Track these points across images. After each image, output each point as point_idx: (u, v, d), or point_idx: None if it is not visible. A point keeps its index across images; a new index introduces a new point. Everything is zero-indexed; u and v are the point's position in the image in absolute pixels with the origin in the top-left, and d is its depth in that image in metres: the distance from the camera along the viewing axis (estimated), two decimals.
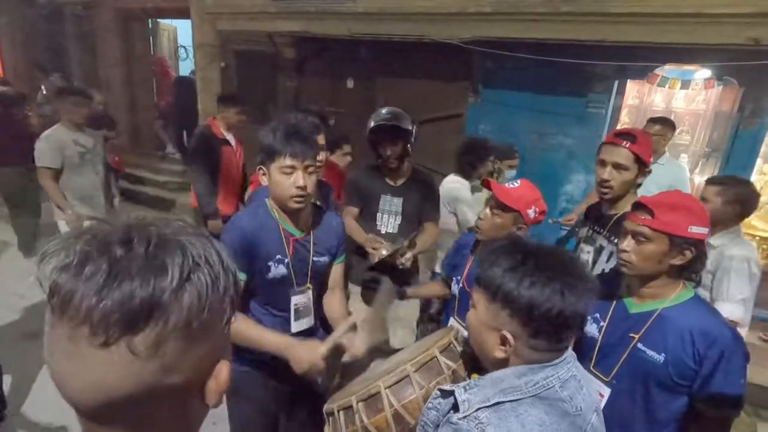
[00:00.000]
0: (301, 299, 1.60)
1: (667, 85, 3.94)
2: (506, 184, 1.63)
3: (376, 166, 2.43)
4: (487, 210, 1.63)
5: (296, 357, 1.36)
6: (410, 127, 2.28)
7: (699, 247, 1.20)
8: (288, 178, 1.40)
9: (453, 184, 2.90)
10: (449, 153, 3.16)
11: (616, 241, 1.59)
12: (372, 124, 2.30)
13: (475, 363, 1.07)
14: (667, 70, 3.81)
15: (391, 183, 2.41)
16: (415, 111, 4.00)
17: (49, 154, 3.03)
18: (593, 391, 0.97)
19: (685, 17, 3.06)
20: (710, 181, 2.14)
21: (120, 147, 5.14)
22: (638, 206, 1.26)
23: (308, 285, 1.61)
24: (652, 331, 1.23)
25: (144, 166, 6.76)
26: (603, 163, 1.69)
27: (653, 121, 3.02)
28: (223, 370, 0.49)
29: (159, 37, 7.14)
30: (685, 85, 3.85)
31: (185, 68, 7.40)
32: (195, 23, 5.29)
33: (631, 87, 4.51)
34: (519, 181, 1.63)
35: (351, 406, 1.10)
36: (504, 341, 0.87)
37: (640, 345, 1.24)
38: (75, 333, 0.40)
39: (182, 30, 7.58)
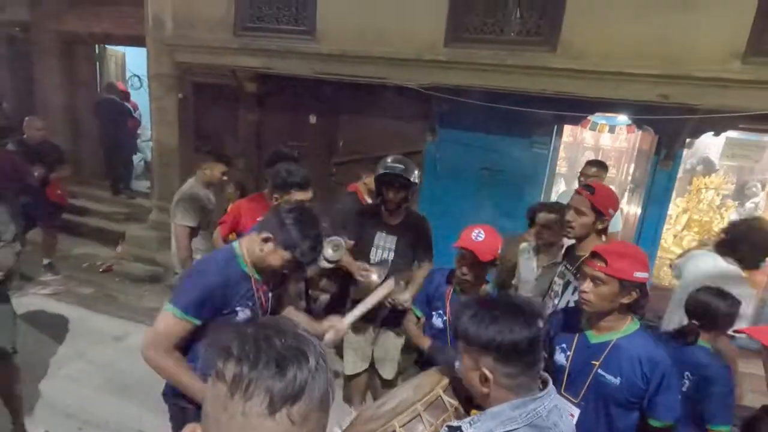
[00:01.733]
0: None
1: (597, 129, 4.52)
2: (473, 236, 1.89)
3: (376, 205, 2.65)
4: (466, 268, 1.89)
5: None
6: (416, 180, 2.49)
7: (642, 288, 1.50)
8: (283, 267, 1.62)
9: None
10: None
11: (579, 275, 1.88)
12: (381, 170, 2.49)
13: (470, 399, 1.23)
14: (596, 116, 4.37)
15: (388, 222, 2.60)
16: (376, 147, 4.29)
17: None
18: (568, 415, 1.20)
19: (611, 75, 3.58)
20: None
21: (63, 179, 4.89)
22: (594, 254, 1.54)
23: None
24: (610, 358, 1.50)
25: (87, 196, 6.43)
26: (569, 207, 2.02)
27: (590, 164, 3.46)
28: None
29: (106, 62, 6.91)
30: (612, 129, 4.44)
31: (138, 98, 7.20)
32: (151, 53, 5.24)
33: (567, 128, 5.09)
34: (483, 232, 1.90)
35: None
36: (484, 378, 1.06)
37: (600, 371, 1.51)
38: (247, 409, 0.55)
39: (131, 57, 7.38)
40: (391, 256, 2.60)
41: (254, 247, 1.59)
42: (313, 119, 4.91)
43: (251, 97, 5.03)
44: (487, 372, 1.05)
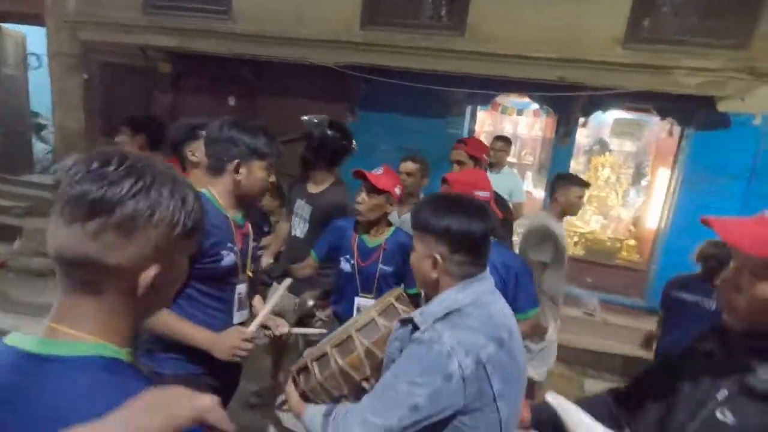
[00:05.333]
0: (243, 288, 1.64)
1: (507, 112, 4.84)
2: (373, 172, 1.97)
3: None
4: (364, 195, 1.95)
5: (219, 347, 1.45)
6: (328, 134, 2.46)
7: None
8: (267, 175, 1.56)
9: None
10: None
11: None
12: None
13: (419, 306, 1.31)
14: (506, 101, 4.68)
15: (309, 190, 2.51)
16: (297, 128, 4.27)
17: None
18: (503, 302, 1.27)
19: (514, 57, 3.85)
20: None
21: None
22: (444, 180, 1.83)
23: (249, 274, 1.66)
24: None
25: None
26: (452, 164, 2.23)
27: (497, 138, 3.72)
28: (152, 270, 0.64)
29: (2, 42, 6.28)
30: (520, 112, 4.78)
31: (37, 78, 6.60)
32: (51, 30, 4.87)
33: (486, 116, 5.40)
34: (382, 168, 1.99)
35: (325, 354, 1.25)
36: (435, 262, 1.13)
37: None
38: (57, 214, 0.61)
39: (33, 37, 6.75)
40: (307, 228, 2.49)
41: (227, 184, 1.51)
42: (232, 101, 4.81)
43: (165, 77, 4.83)
44: (438, 257, 1.12)
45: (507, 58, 3.87)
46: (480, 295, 1.15)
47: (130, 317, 0.67)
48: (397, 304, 1.36)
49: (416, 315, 1.14)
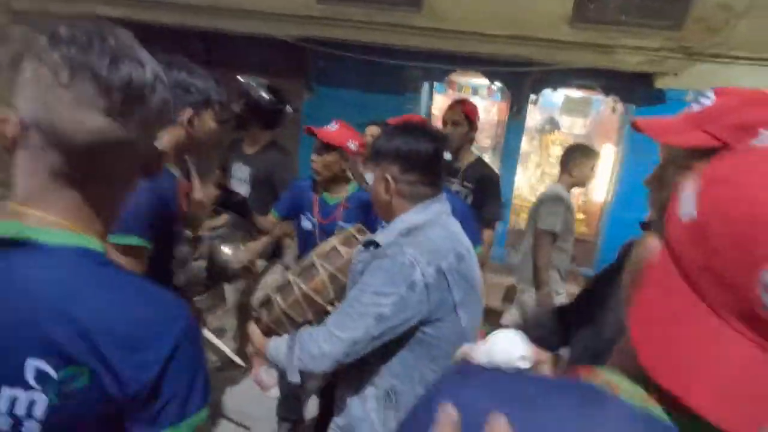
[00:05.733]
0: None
1: (462, 91, 4.96)
2: (326, 127, 1.97)
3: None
4: (315, 154, 1.94)
5: None
6: (262, 96, 2.40)
7: None
8: (216, 125, 1.39)
9: None
10: (287, 144, 3.42)
11: (467, 184, 2.25)
12: None
13: None
14: (462, 79, 4.79)
15: (245, 151, 2.46)
16: None
17: None
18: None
19: (469, 34, 3.95)
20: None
21: None
22: None
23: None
24: None
25: None
26: (444, 123, 2.30)
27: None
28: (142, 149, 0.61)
29: None
30: (475, 91, 4.90)
31: None
32: None
33: (444, 100, 5.48)
34: (336, 123, 1.98)
35: (288, 283, 1.25)
36: (388, 184, 1.17)
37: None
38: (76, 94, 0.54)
39: None
40: (247, 191, 2.42)
41: (176, 137, 1.28)
42: None
43: None
44: (390, 178, 1.16)
45: (461, 34, 3.96)
46: (438, 215, 1.19)
47: (108, 209, 0.62)
48: (358, 236, 1.37)
49: (378, 236, 1.18)
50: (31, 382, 0.51)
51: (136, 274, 0.62)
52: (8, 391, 0.51)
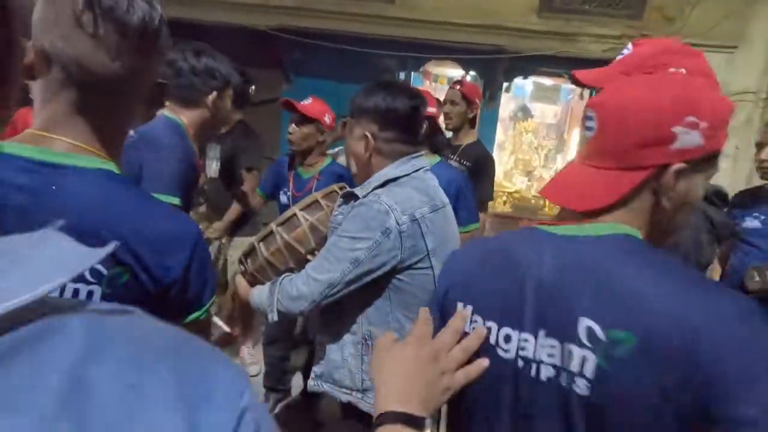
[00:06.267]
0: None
1: (437, 81, 5.08)
2: (301, 102, 2.07)
3: None
4: (293, 125, 2.04)
5: None
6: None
7: None
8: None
9: None
10: (267, 135, 3.49)
11: (464, 162, 2.33)
12: None
13: None
14: (437, 70, 4.93)
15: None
16: None
17: None
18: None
19: (440, 24, 4.09)
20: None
21: None
22: None
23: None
24: None
25: None
26: (444, 103, 2.39)
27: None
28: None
29: None
30: (449, 81, 5.04)
31: None
32: None
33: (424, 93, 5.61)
34: (310, 99, 2.08)
35: (271, 232, 1.31)
36: (367, 141, 1.19)
37: None
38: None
39: None
40: (219, 168, 2.44)
41: (200, 116, 1.38)
42: None
43: None
44: (369, 135, 1.18)
45: (434, 24, 4.09)
46: (416, 170, 1.22)
47: (119, 137, 0.70)
48: (339, 192, 1.41)
49: (357, 189, 1.22)
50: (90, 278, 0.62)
51: (154, 196, 0.72)
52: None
